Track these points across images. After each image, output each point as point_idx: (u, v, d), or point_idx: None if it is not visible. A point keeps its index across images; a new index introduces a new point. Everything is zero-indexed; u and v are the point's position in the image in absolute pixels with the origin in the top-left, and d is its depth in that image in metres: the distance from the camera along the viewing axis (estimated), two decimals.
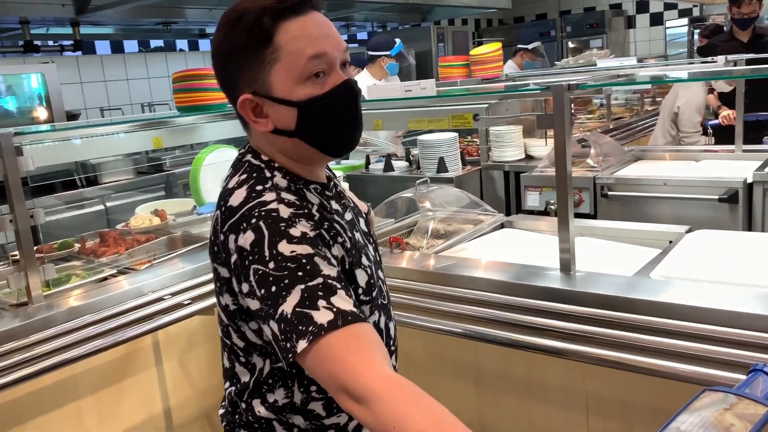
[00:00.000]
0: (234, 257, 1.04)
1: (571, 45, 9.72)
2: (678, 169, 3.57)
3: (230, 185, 1.13)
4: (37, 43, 4.99)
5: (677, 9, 9.23)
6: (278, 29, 1.08)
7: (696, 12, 8.99)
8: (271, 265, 0.99)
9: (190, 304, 2.18)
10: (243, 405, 1.19)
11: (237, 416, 1.21)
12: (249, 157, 1.17)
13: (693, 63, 3.93)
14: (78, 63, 5.74)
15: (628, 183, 3.40)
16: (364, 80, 4.91)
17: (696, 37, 6.55)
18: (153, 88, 6.32)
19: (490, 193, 4.11)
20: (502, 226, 2.71)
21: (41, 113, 4.64)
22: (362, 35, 9.54)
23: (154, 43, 6.79)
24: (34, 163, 2.03)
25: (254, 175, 1.13)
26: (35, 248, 2.38)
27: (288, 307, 0.96)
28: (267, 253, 1.00)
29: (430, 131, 4.52)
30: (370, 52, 4.93)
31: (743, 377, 1.44)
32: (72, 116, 4.93)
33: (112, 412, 2.14)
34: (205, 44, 7.26)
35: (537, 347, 1.77)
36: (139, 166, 5.02)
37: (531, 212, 3.59)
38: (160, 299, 2.17)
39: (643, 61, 5.64)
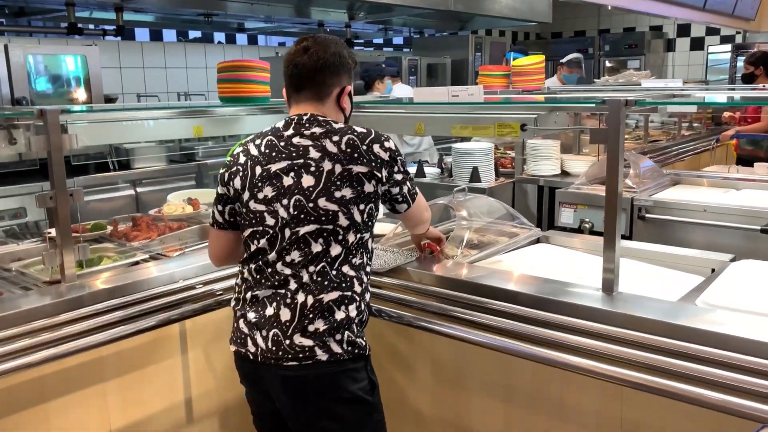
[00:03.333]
0: (385, 155, 1.77)
1: (608, 64, 9.62)
2: (718, 196, 3.49)
3: (336, 127, 1.78)
4: (80, 26, 5.04)
5: (719, 35, 9.11)
6: None
7: (739, 39, 8.86)
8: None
9: (221, 294, 2.16)
10: (333, 272, 1.71)
11: (327, 281, 1.71)
12: (330, 120, 1.82)
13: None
14: (119, 48, 5.79)
15: (666, 206, 3.33)
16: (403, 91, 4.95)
17: (741, 64, 6.46)
18: (190, 78, 6.36)
19: (522, 207, 4.05)
20: (538, 240, 2.66)
21: (80, 95, 4.68)
22: (398, 40, 9.53)
23: (193, 34, 6.83)
24: (78, 142, 2.03)
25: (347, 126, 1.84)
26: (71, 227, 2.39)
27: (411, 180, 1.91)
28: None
29: (464, 139, 4.48)
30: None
31: None
32: (110, 100, 4.97)
33: (135, 397, 2.12)
34: (242, 38, 7.30)
35: (573, 366, 1.71)
36: (171, 153, 5.04)
37: (564, 229, 3.53)
38: (191, 287, 2.16)
39: (684, 84, 5.57)
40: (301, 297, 1.71)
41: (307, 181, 1.73)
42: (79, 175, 4.35)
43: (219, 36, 7.10)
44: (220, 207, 1.86)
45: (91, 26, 5.53)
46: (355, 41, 8.42)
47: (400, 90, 5.39)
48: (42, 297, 1.95)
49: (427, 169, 4.37)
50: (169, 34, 6.58)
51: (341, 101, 1.85)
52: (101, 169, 4.61)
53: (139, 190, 4.72)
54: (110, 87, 5.44)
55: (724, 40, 9.06)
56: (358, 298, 1.77)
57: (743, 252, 2.63)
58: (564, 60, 6.57)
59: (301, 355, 1.69)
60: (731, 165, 4.49)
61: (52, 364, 1.86)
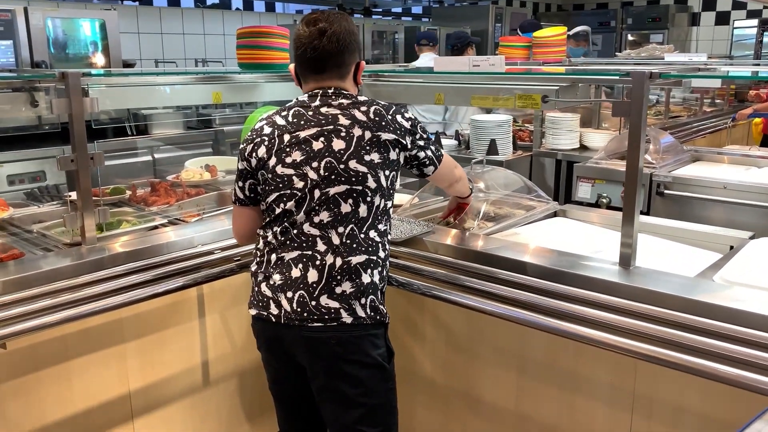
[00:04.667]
0: (407, 124, 1.85)
1: (630, 38, 9.44)
2: (738, 173, 3.45)
3: (361, 99, 1.85)
4: None
5: (746, 9, 8.90)
6: None
7: (766, 14, 8.65)
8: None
9: (238, 260, 2.18)
10: (362, 235, 1.76)
11: (355, 244, 1.75)
12: (353, 94, 1.89)
13: None
14: (137, 13, 5.76)
15: (685, 183, 3.30)
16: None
17: (767, 39, 6.27)
18: (207, 45, 6.33)
19: (539, 181, 4.03)
20: (555, 214, 2.66)
21: (99, 59, 4.68)
22: (417, 9, 9.41)
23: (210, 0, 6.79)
24: (99, 106, 2.04)
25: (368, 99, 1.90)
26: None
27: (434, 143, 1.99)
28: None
29: (484, 111, 4.44)
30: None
31: None
32: (128, 65, 4.97)
33: (154, 358, 2.16)
34: (260, 5, 7.24)
35: (587, 338, 1.72)
36: (188, 119, 5.05)
37: (580, 203, 3.51)
38: (209, 252, 2.18)
39: (709, 59, 5.45)
40: (330, 258, 1.73)
41: (338, 144, 1.76)
42: (98, 139, 4.37)
43: (237, 2, 7.05)
44: (240, 183, 1.89)
45: None
46: (374, 10, 8.32)
47: (426, 59, 5.35)
48: (63, 259, 1.98)
49: (444, 141, 4.35)
50: (187, 0, 6.55)
51: (358, 78, 1.91)
52: (119, 133, 4.62)
53: (156, 156, 4.74)
54: (128, 52, 5.43)
55: (751, 14, 8.84)
56: (381, 264, 1.81)
57: (762, 230, 2.61)
58: (571, 32, 6.42)
59: (326, 317, 1.72)
60: (752, 146, 4.39)
61: (73, 324, 1.89)
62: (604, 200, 3.43)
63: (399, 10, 9.17)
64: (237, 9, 6.94)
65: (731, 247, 2.23)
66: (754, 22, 8.31)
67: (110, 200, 2.66)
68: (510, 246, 2.13)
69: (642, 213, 3.29)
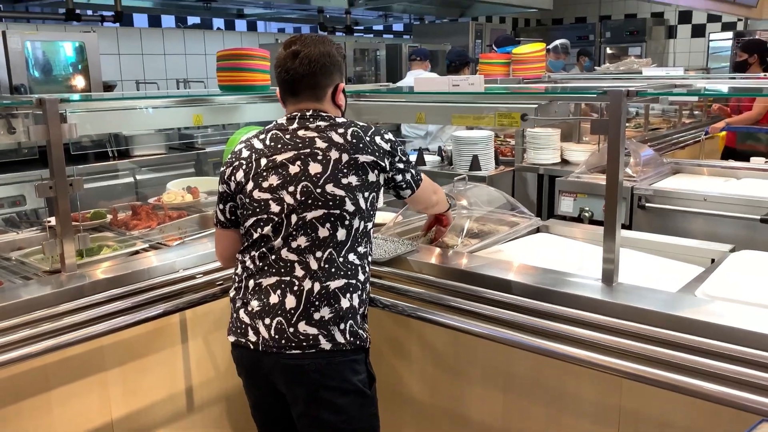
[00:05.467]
0: (386, 146, 1.84)
1: (609, 51, 9.57)
2: (718, 185, 3.49)
3: (339, 121, 1.84)
4: (78, 11, 5.00)
5: (721, 22, 9.06)
6: None
7: (740, 26, 8.81)
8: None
9: (221, 284, 2.17)
10: (340, 259, 1.74)
11: (334, 269, 1.73)
12: (332, 116, 1.87)
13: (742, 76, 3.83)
14: (117, 34, 5.75)
15: (666, 196, 3.33)
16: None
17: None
18: (189, 65, 6.33)
19: (522, 196, 4.06)
20: (538, 230, 2.67)
21: (79, 82, 4.65)
22: (398, 26, 9.47)
23: (192, 20, 6.79)
24: (77, 131, 2.02)
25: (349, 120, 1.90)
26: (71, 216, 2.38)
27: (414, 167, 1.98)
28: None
29: (466, 126, 4.47)
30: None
31: None
32: (108, 87, 4.95)
33: (136, 386, 2.13)
34: (241, 24, 7.26)
35: (573, 358, 1.72)
36: (170, 141, 5.02)
37: (563, 218, 3.53)
38: (191, 277, 2.16)
39: (686, 72, 5.52)
40: (307, 283, 1.72)
41: (315, 168, 1.75)
42: (78, 162, 4.34)
43: (218, 22, 7.06)
44: (221, 206, 1.88)
45: (90, 12, 5.50)
46: (355, 27, 8.37)
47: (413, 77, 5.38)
48: (42, 287, 1.96)
49: (427, 157, 4.37)
50: (168, 20, 6.54)
51: (336, 98, 1.90)
52: (100, 156, 4.60)
53: (138, 177, 4.72)
54: (109, 74, 5.42)
55: (726, 27, 9.01)
56: (361, 288, 1.79)
57: (743, 241, 2.64)
58: (550, 46, 6.49)
59: (304, 344, 1.70)
60: (724, 161, 4.42)
61: (53, 353, 1.86)
62: (586, 214, 3.45)
63: (380, 27, 9.23)
64: (218, 29, 6.95)
65: (712, 260, 2.25)
66: (729, 34, 8.46)
67: (91, 225, 2.64)
68: (494, 264, 2.13)
69: (624, 226, 3.32)
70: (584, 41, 9.70)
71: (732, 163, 4.02)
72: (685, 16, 9.48)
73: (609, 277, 1.86)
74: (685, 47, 9.54)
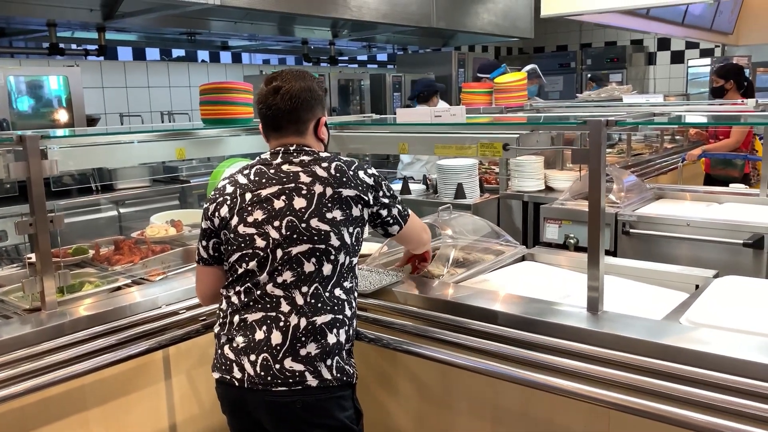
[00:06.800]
0: (369, 180, 1.84)
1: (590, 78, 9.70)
2: (701, 210, 3.52)
3: (323, 155, 1.86)
4: (62, 46, 5.02)
5: (699, 48, 9.23)
6: None
7: (718, 52, 8.99)
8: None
9: (204, 319, 2.14)
10: (327, 294, 1.72)
11: (320, 304, 1.71)
12: (316, 150, 1.89)
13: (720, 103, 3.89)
14: (101, 68, 5.76)
15: (650, 221, 3.35)
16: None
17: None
18: (173, 97, 6.34)
19: (507, 223, 4.07)
20: (523, 258, 2.67)
21: (62, 116, 4.64)
22: (382, 56, 9.57)
23: (176, 52, 6.82)
24: (58, 167, 2.01)
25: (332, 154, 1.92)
26: (51, 252, 2.35)
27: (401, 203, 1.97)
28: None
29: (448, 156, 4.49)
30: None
31: None
32: (92, 120, 4.94)
33: (119, 425, 2.09)
34: (226, 56, 7.30)
35: (560, 389, 1.71)
36: (155, 176, 5.01)
37: (549, 245, 3.54)
38: (174, 313, 2.13)
39: (665, 99, 5.60)
40: (294, 319, 1.70)
41: (299, 203, 1.74)
42: (61, 197, 4.31)
43: (203, 54, 7.10)
44: (204, 242, 1.86)
45: (74, 46, 5.51)
46: (339, 58, 8.44)
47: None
48: (22, 326, 1.92)
49: (412, 186, 4.38)
50: (152, 53, 6.57)
51: (318, 132, 1.91)
52: (84, 191, 4.57)
53: (122, 211, 4.69)
54: (93, 107, 5.41)
55: (704, 53, 9.19)
56: (348, 323, 1.78)
57: (727, 266, 2.66)
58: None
59: (291, 380, 1.67)
60: (707, 186, 4.46)
61: (32, 394, 1.82)
62: (571, 241, 3.46)
63: (365, 58, 9.32)
64: (203, 61, 6.99)
65: (697, 286, 2.26)
66: (707, 60, 8.62)
67: (72, 261, 2.61)
68: (479, 294, 2.12)
69: (609, 253, 3.34)
70: (566, 69, 9.84)
71: (714, 188, 4.06)
72: (664, 43, 9.66)
73: (594, 305, 1.86)
74: (665, 73, 9.70)
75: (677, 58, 9.56)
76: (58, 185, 4.31)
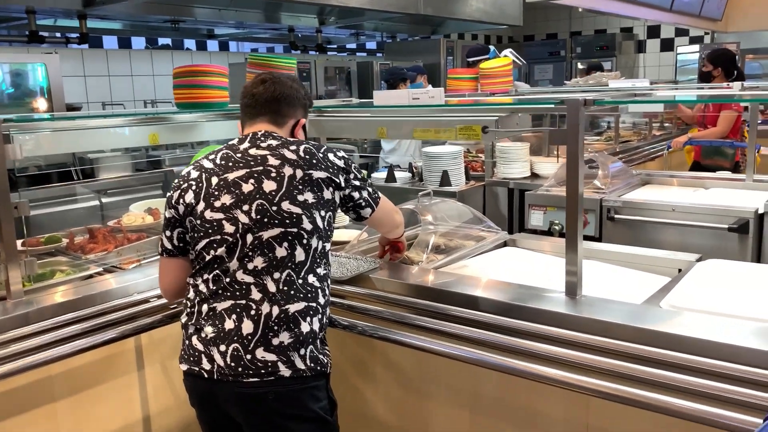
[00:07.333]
0: (340, 162, 1.79)
1: (580, 66, 9.65)
2: (687, 195, 3.49)
3: (291, 140, 1.81)
4: (43, 33, 4.93)
5: (688, 36, 9.19)
6: None
7: (707, 39, 8.95)
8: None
9: (174, 307, 2.09)
10: (300, 281, 1.66)
11: (293, 291, 1.65)
12: (281, 136, 1.83)
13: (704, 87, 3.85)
14: (83, 56, 5.67)
15: (635, 207, 3.32)
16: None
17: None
18: (157, 86, 6.25)
19: (493, 210, 4.02)
20: (505, 244, 2.63)
21: (41, 104, 4.56)
22: (371, 44, 9.49)
23: (162, 41, 6.72)
24: (23, 152, 1.95)
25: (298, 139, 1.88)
26: (21, 241, 2.30)
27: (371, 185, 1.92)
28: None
29: (435, 143, 4.45)
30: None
31: (758, 420, 1.35)
32: (72, 109, 4.85)
33: (88, 416, 2.04)
34: (213, 44, 7.20)
35: (537, 376, 1.67)
36: (137, 161, 4.94)
37: (534, 231, 3.51)
38: (145, 300, 2.08)
39: (653, 84, 5.56)
40: (266, 307, 1.64)
41: (269, 185, 1.69)
42: (42, 184, 4.23)
43: (189, 43, 7.00)
44: (168, 232, 1.80)
45: (58, 34, 5.41)
46: (327, 46, 8.36)
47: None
48: None
49: (397, 174, 4.33)
50: (138, 42, 6.47)
51: (295, 132, 1.89)
52: (64, 178, 4.49)
53: (104, 200, 4.61)
54: (74, 96, 5.33)
55: (693, 40, 9.14)
56: (321, 311, 1.72)
57: (712, 251, 2.62)
58: (472, 60, 6.47)
59: (263, 371, 1.62)
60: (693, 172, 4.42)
61: None
62: (556, 227, 3.42)
63: (353, 46, 9.24)
64: (188, 49, 6.89)
65: (680, 270, 2.22)
66: (696, 47, 8.58)
67: (44, 250, 2.55)
68: (458, 280, 2.08)
69: (594, 238, 3.31)
70: (556, 57, 9.79)
71: (700, 173, 4.02)
72: (653, 31, 9.61)
73: (572, 289, 1.82)
74: (655, 61, 9.65)
75: (667, 45, 9.52)
76: (23, 172, 4.22)
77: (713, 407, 1.42)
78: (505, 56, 4.23)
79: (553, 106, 1.79)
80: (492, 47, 4.80)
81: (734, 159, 4.77)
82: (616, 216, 3.31)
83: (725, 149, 4.75)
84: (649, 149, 5.40)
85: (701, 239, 3.09)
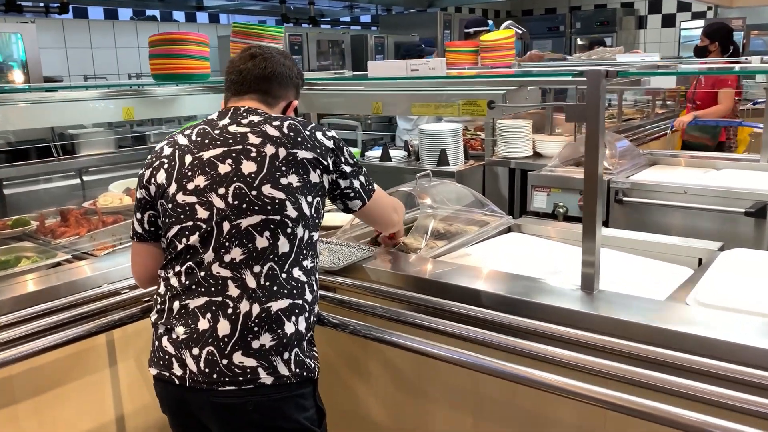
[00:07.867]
0: (329, 143, 1.59)
1: (579, 42, 9.42)
2: (698, 177, 3.30)
3: (275, 115, 1.61)
4: (22, 3, 4.68)
5: (691, 11, 8.95)
6: None
7: (710, 15, 8.71)
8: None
9: (148, 300, 1.90)
10: (283, 275, 1.49)
11: (276, 287, 1.48)
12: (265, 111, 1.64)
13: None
14: (63, 26, 5.41)
15: (644, 189, 3.14)
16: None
17: None
18: (143, 59, 6.00)
19: (493, 191, 3.84)
20: (509, 229, 2.44)
21: (17, 77, 4.32)
22: (366, 17, 9.22)
23: (150, 12, 6.46)
24: None
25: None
26: None
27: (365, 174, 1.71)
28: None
29: (432, 120, 4.24)
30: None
31: None
32: (51, 81, 4.62)
33: (54, 419, 1.86)
34: (203, 17, 6.94)
35: (547, 386, 1.48)
36: (121, 136, 4.71)
37: (536, 214, 3.33)
38: (115, 292, 1.89)
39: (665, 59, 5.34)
40: (244, 305, 1.45)
41: (248, 167, 1.50)
42: (19, 161, 4.01)
43: (178, 15, 6.73)
44: (139, 215, 1.61)
45: (41, 4, 5.14)
46: (321, 20, 8.10)
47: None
48: None
49: (392, 152, 4.13)
50: (125, 13, 6.20)
51: (291, 106, 1.73)
52: (43, 154, 4.26)
53: (85, 178, 4.39)
54: (54, 68, 5.09)
55: (696, 16, 8.90)
56: (308, 309, 1.53)
57: (727, 236, 2.46)
58: (471, 30, 6.16)
59: (241, 378, 1.44)
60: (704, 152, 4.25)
61: None
62: (560, 210, 3.25)
63: (347, 19, 8.97)
64: (176, 20, 6.63)
65: (700, 260, 2.05)
66: (700, 23, 8.34)
67: (11, 234, 2.36)
68: (460, 270, 1.90)
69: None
70: (555, 32, 9.54)
71: (711, 153, 3.84)
72: (655, 6, 9.36)
73: (589, 283, 1.64)
74: (656, 37, 9.42)
75: (668, 21, 9.28)
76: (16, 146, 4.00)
77: (751, 427, 1.25)
78: (507, 28, 4.00)
79: (569, 78, 1.59)
80: (491, 22, 4.58)
81: (718, 137, 4.61)
82: (624, 198, 3.13)
83: (708, 126, 4.59)
84: (652, 128, 5.20)
85: (715, 224, 2.92)
